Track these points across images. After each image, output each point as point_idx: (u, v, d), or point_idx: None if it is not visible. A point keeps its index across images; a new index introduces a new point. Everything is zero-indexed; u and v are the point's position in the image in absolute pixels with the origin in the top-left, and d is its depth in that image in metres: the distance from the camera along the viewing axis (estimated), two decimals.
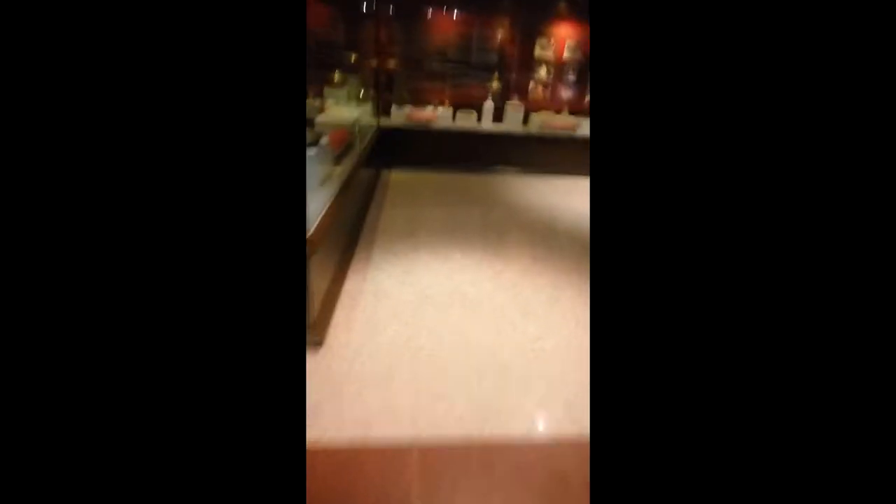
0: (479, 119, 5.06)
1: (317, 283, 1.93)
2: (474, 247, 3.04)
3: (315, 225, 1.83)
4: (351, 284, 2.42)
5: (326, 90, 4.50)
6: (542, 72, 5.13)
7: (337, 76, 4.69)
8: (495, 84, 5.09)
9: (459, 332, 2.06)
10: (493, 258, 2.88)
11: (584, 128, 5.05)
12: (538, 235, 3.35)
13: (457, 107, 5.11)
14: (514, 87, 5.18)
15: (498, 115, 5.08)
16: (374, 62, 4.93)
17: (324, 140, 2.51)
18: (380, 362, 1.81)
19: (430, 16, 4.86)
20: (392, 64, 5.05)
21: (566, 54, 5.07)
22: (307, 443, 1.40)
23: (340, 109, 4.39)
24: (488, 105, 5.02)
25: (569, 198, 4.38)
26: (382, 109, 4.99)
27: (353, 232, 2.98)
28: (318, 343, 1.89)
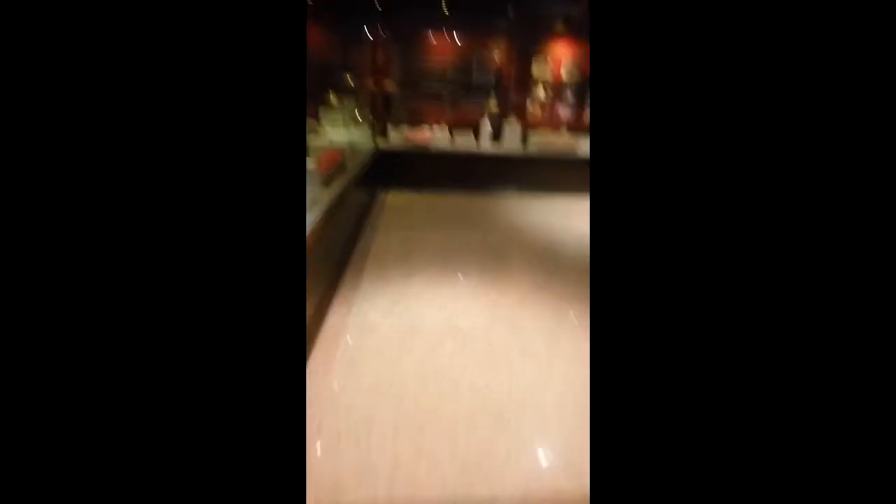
0: (477, 140, 4.97)
1: None
2: (470, 273, 2.88)
3: None
4: (334, 318, 2.25)
5: (322, 112, 4.44)
6: (540, 91, 5.06)
7: (333, 98, 4.64)
8: (493, 104, 5.02)
9: (449, 374, 1.87)
10: (489, 285, 2.71)
11: (582, 147, 4.94)
12: (538, 259, 3.19)
13: (454, 128, 5.04)
14: (512, 108, 5.10)
15: (496, 136, 4.99)
16: (371, 83, 4.89)
17: (310, 162, 2.39)
18: (357, 412, 1.62)
19: (427, 37, 4.83)
20: (389, 85, 5.00)
21: (564, 74, 5.00)
22: None
23: (335, 131, 4.32)
24: (486, 126, 4.94)
25: (569, 218, 4.23)
26: (379, 131, 4.92)
27: (340, 258, 2.83)
28: None
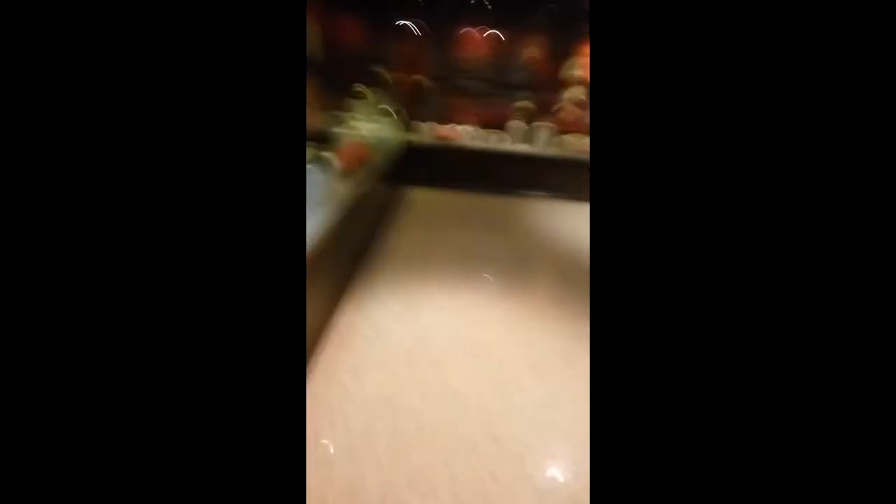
0: (507, 139, 4.81)
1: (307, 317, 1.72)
2: (489, 279, 2.76)
3: (307, 251, 1.65)
4: (344, 319, 2.20)
5: (352, 104, 4.40)
6: (575, 91, 4.83)
7: (363, 90, 4.59)
8: (525, 103, 4.84)
9: (455, 390, 1.78)
10: (508, 296, 2.59)
11: None
12: (562, 270, 3.03)
13: (485, 125, 4.89)
14: (545, 107, 4.90)
15: (527, 136, 4.81)
16: (403, 77, 4.81)
17: (330, 155, 2.34)
18: (353, 428, 1.56)
19: (461, 32, 4.69)
20: (421, 79, 4.91)
21: None
22: None
23: (364, 124, 4.28)
24: (517, 125, 4.76)
25: None
26: (409, 125, 4.84)
27: (357, 256, 2.78)
28: None
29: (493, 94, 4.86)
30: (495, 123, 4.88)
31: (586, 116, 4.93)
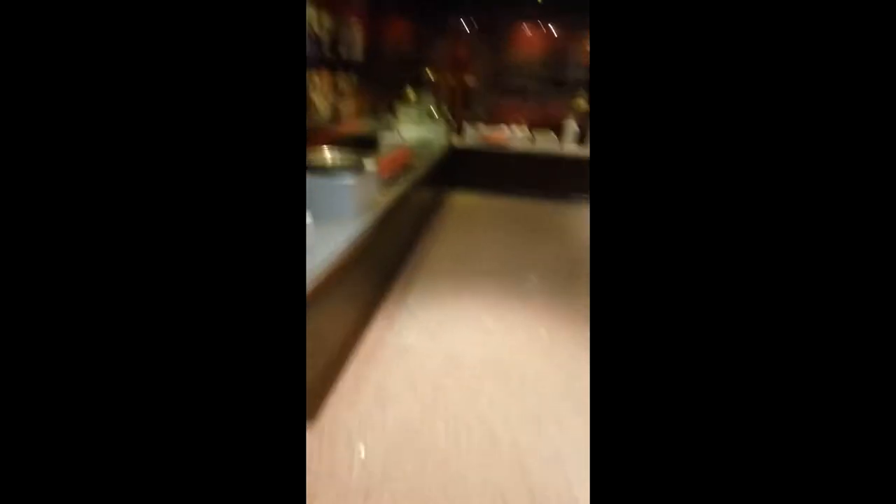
0: (560, 141, 4.53)
1: (328, 332, 1.63)
2: (531, 295, 2.55)
3: (335, 261, 1.58)
4: (374, 333, 2.09)
5: (398, 107, 4.34)
6: None
7: (410, 93, 4.52)
8: (581, 103, 4.52)
9: (484, 422, 1.60)
10: (551, 315, 2.36)
11: None
12: None
13: (536, 127, 4.65)
14: None
15: (582, 138, 4.50)
16: (451, 78, 4.69)
17: (370, 165, 2.25)
18: (371, 467, 1.43)
19: (516, 29, 4.48)
20: (470, 80, 4.76)
21: None
22: None
23: (409, 127, 4.20)
24: (571, 126, 4.47)
25: None
26: (456, 128, 4.71)
27: (393, 265, 2.68)
28: (307, 419, 1.58)
29: (545, 93, 4.61)
30: (547, 124, 4.62)
31: None
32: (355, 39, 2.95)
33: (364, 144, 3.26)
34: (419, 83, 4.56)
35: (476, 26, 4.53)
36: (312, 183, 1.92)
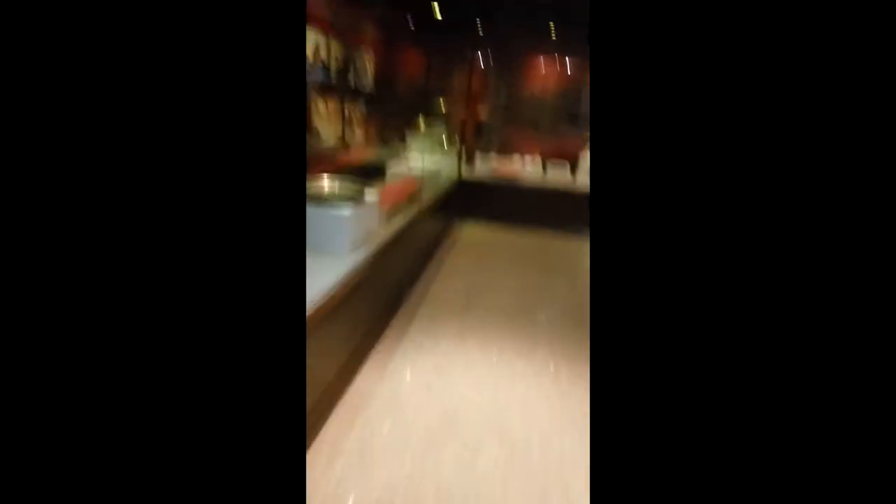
0: (574, 175, 4.40)
1: (310, 377, 1.45)
2: (542, 339, 2.34)
3: (324, 299, 1.45)
4: (364, 379, 1.90)
5: (409, 136, 4.29)
6: None
7: (422, 122, 4.48)
8: None
9: (479, 498, 1.38)
10: (564, 364, 2.14)
11: None
12: None
13: (550, 160, 4.54)
14: None
15: None
16: (463, 109, 4.65)
17: (370, 196, 2.12)
18: None
19: (531, 62, 4.46)
20: (483, 111, 4.72)
21: None
22: None
23: (419, 157, 4.12)
24: (586, 160, 4.35)
25: None
26: (466, 159, 4.63)
27: (392, 301, 2.51)
28: None
29: (558, 127, 4.53)
30: (560, 158, 4.52)
31: None
32: (366, 67, 2.90)
33: (371, 173, 3.17)
34: (431, 113, 4.52)
35: (491, 58, 4.52)
36: (306, 213, 1.79)
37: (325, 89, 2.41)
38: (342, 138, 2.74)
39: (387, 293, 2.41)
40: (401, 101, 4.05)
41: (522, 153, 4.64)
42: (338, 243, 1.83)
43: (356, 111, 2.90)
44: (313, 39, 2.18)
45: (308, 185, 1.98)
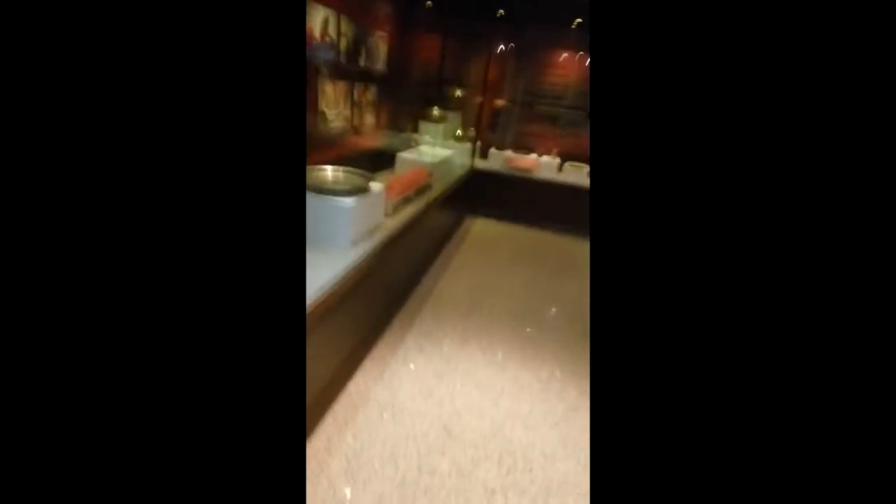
0: (587, 171, 4.22)
1: (308, 378, 1.35)
2: (549, 350, 2.21)
3: (321, 296, 1.37)
4: (359, 384, 1.79)
5: (422, 124, 4.13)
6: None
7: (436, 112, 4.31)
8: None
9: None
10: (572, 375, 2.02)
11: None
12: None
13: (567, 156, 4.36)
14: None
15: None
16: (480, 100, 4.47)
17: (375, 186, 1.99)
18: None
19: (549, 55, 4.26)
20: (500, 103, 4.53)
21: None
22: None
23: (431, 146, 3.97)
24: None
25: None
26: (480, 151, 4.47)
27: (394, 299, 2.40)
28: None
29: (578, 123, 4.33)
30: (578, 155, 4.33)
31: None
32: (378, 48, 2.75)
33: (380, 160, 3.04)
34: (446, 101, 4.35)
35: (511, 48, 4.32)
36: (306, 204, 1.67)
37: (333, 69, 2.27)
38: (350, 122, 2.60)
39: (389, 290, 2.29)
40: (414, 87, 3.89)
41: (539, 147, 4.46)
42: (338, 236, 1.71)
43: (366, 95, 2.76)
44: (322, 14, 2.04)
45: (309, 173, 1.85)
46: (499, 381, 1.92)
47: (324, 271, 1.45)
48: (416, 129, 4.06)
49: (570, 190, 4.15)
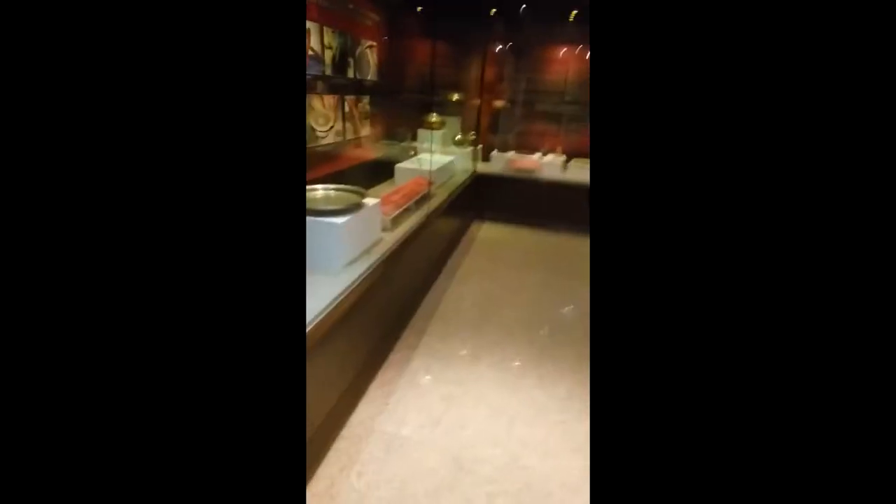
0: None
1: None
2: (567, 363, 2.06)
3: (315, 324, 1.29)
4: (363, 413, 1.68)
5: (421, 133, 4.03)
6: None
7: (434, 118, 4.21)
8: None
9: None
10: (589, 392, 1.87)
11: None
12: None
13: (571, 155, 4.22)
14: None
15: None
16: (479, 102, 4.36)
17: (370, 202, 1.89)
18: None
19: (551, 51, 4.13)
20: (500, 104, 4.42)
21: None
22: None
23: (430, 155, 3.87)
24: None
25: None
26: (482, 154, 4.35)
27: (398, 316, 2.28)
28: None
29: (582, 120, 4.19)
30: (583, 153, 4.18)
31: None
32: (369, 60, 2.66)
33: (379, 172, 2.94)
34: (444, 106, 4.25)
35: (508, 47, 4.21)
36: None
37: (320, 83, 2.18)
38: (344, 136, 2.51)
39: (393, 309, 2.18)
40: (410, 95, 3.79)
41: (542, 147, 4.33)
42: (331, 259, 1.61)
43: (359, 107, 2.67)
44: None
45: None
46: (515, 400, 1.79)
47: (316, 298, 1.35)
48: (414, 138, 3.96)
49: (575, 188, 4.00)
